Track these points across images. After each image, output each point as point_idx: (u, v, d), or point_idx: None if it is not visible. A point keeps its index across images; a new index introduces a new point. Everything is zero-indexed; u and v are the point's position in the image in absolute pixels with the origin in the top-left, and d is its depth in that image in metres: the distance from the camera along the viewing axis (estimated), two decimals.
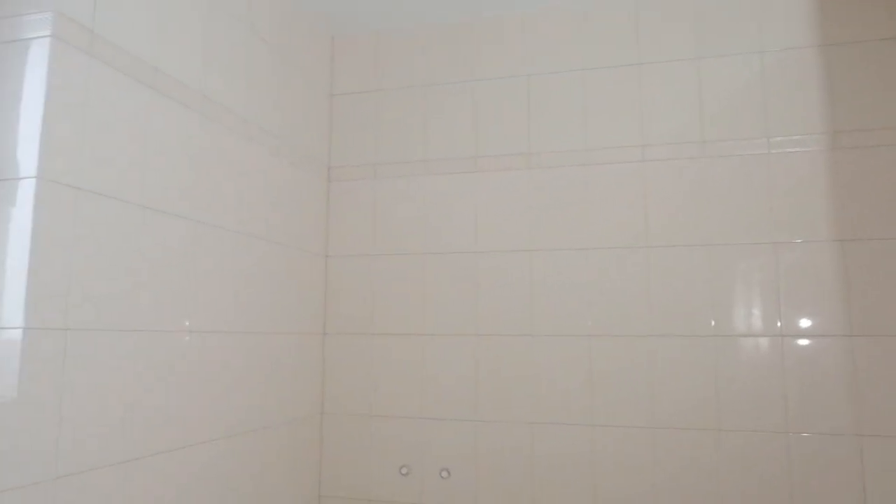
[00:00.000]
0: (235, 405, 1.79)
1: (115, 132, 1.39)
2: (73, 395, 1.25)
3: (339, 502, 2.24)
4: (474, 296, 2.21)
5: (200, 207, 1.67)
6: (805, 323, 1.92)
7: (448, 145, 2.31)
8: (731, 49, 2.08)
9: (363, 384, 2.28)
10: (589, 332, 2.09)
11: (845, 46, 1.99)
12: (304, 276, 2.21)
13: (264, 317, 1.95)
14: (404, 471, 2.18)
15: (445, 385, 2.19)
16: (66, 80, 1.26)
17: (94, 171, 1.32)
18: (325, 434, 2.29)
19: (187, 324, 1.60)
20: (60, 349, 1.23)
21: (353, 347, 2.31)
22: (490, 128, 2.28)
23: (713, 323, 1.99)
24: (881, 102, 1.94)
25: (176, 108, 1.58)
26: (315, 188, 2.31)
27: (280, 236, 2.06)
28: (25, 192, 1.19)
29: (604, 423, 2.04)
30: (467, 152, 2.29)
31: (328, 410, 2.30)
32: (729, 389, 1.95)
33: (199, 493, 1.62)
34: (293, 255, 2.14)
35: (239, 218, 1.84)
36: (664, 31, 2.15)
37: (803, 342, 1.92)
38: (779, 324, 1.94)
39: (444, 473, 2.14)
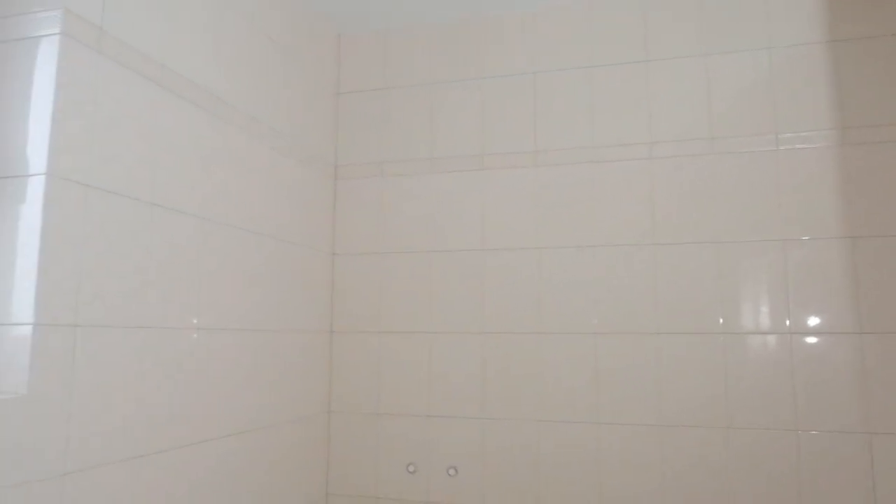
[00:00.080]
0: (243, 403, 1.79)
1: (124, 129, 1.39)
2: (81, 392, 1.26)
3: (346, 500, 2.25)
4: (481, 294, 2.21)
5: (209, 205, 1.67)
6: (814, 320, 1.91)
7: (454, 143, 2.31)
8: (738, 45, 2.08)
9: (370, 382, 2.28)
10: (596, 329, 2.08)
11: (854, 42, 1.98)
12: (312, 275, 2.22)
13: (272, 315, 1.96)
14: (411, 468, 2.18)
15: (452, 383, 2.19)
16: (75, 78, 1.27)
17: (103, 168, 1.33)
18: (333, 432, 2.29)
19: (195, 321, 1.60)
20: (70, 345, 1.23)
21: (361, 345, 2.31)
22: (496, 126, 2.28)
23: (721, 321, 1.98)
24: (890, 98, 1.93)
25: (184, 106, 1.59)
26: (322, 186, 2.32)
27: (287, 234, 2.06)
28: (35, 189, 1.19)
29: (611, 420, 2.04)
30: (474, 150, 2.29)
31: (335, 408, 2.30)
32: (737, 387, 1.95)
33: (206, 490, 1.62)
34: (300, 254, 2.14)
35: (247, 216, 1.84)
36: (671, 28, 2.15)
37: (812, 339, 1.91)
38: (787, 321, 1.93)
39: (452, 471, 2.14)
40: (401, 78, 2.41)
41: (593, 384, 2.06)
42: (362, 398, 2.28)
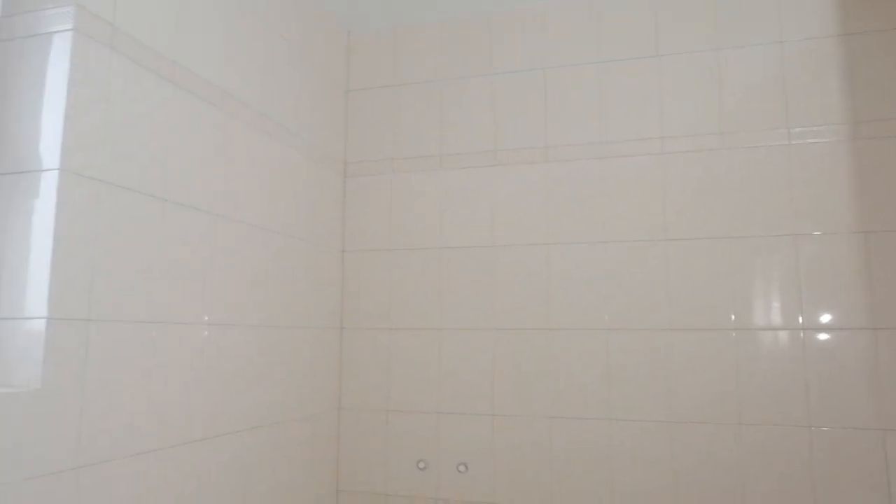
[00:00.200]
0: (253, 399, 1.80)
1: (137, 126, 1.40)
2: (94, 386, 1.26)
3: (356, 496, 2.25)
4: (492, 290, 2.20)
5: (219, 201, 1.68)
6: (826, 316, 1.90)
7: (464, 139, 2.31)
8: (750, 40, 2.06)
9: (380, 379, 2.28)
10: (607, 325, 2.07)
11: (865, 36, 1.97)
12: (322, 271, 2.22)
13: (282, 311, 1.96)
14: (421, 465, 2.18)
15: (463, 379, 2.19)
16: (87, 74, 1.27)
17: (115, 164, 1.34)
18: (343, 428, 2.30)
19: (206, 318, 1.61)
20: (83, 340, 1.24)
21: (371, 342, 2.31)
22: (507, 121, 2.27)
23: (733, 317, 1.97)
24: None
25: (195, 103, 1.59)
26: (332, 183, 2.32)
27: (297, 231, 2.07)
28: (48, 185, 1.20)
29: (622, 417, 2.03)
30: (484, 146, 2.28)
31: (345, 405, 2.31)
32: (749, 383, 1.93)
33: (217, 486, 1.63)
34: (310, 250, 2.14)
35: (257, 212, 1.85)
36: (682, 23, 2.14)
37: (824, 335, 1.89)
38: (800, 317, 1.92)
39: (462, 467, 2.14)
40: (410, 75, 2.41)
41: (604, 380, 2.06)
42: (372, 394, 2.28)
